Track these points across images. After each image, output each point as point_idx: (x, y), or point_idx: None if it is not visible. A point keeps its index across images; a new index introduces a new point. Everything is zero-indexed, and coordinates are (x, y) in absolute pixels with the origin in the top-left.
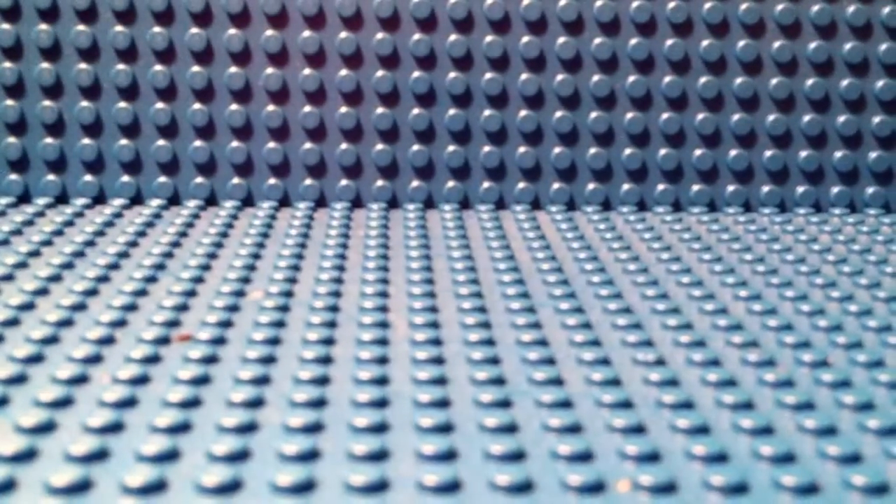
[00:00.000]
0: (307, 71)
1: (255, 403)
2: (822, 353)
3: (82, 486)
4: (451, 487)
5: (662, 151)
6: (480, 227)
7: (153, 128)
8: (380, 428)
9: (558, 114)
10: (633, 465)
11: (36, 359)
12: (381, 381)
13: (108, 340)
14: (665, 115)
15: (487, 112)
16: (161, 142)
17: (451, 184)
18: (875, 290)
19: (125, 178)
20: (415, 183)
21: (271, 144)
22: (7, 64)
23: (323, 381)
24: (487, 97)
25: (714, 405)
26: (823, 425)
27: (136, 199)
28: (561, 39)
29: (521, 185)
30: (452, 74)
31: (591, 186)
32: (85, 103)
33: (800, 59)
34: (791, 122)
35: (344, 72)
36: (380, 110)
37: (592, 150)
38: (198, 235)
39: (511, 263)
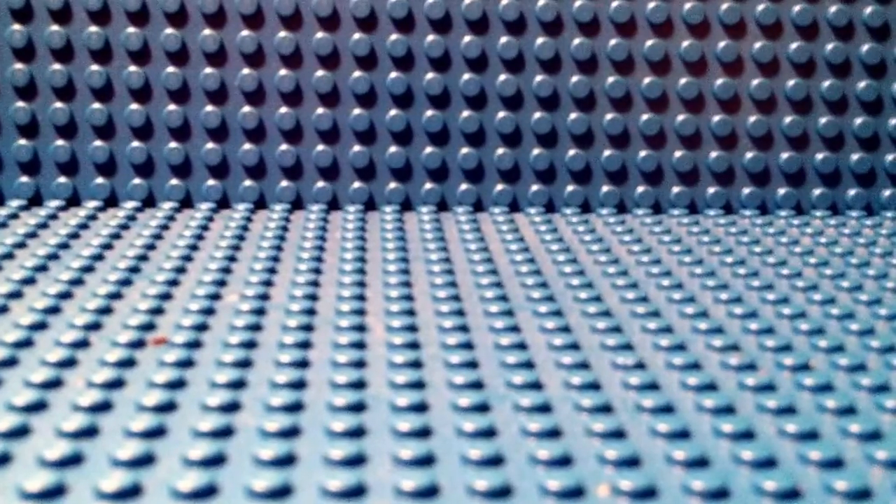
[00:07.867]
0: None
1: (231, 407)
2: (804, 357)
3: (56, 492)
4: (429, 492)
5: (642, 153)
6: (458, 229)
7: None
8: (357, 432)
9: (537, 115)
10: (613, 469)
11: (9, 362)
12: (358, 384)
13: (82, 344)
14: (645, 117)
15: (465, 113)
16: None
17: (428, 186)
18: (857, 293)
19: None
20: (391, 185)
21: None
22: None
23: (299, 384)
24: (465, 98)
25: (694, 409)
26: (805, 429)
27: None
28: (539, 40)
29: (500, 187)
30: (430, 75)
31: (570, 188)
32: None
33: (781, 60)
34: (772, 123)
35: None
36: (356, 111)
37: (572, 152)
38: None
39: (489, 266)
